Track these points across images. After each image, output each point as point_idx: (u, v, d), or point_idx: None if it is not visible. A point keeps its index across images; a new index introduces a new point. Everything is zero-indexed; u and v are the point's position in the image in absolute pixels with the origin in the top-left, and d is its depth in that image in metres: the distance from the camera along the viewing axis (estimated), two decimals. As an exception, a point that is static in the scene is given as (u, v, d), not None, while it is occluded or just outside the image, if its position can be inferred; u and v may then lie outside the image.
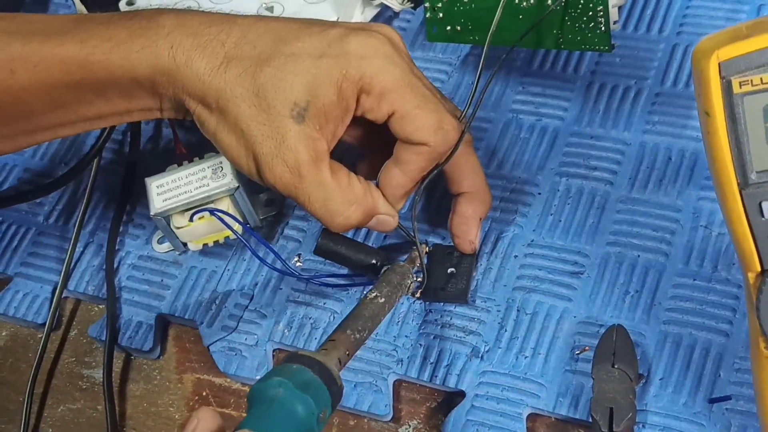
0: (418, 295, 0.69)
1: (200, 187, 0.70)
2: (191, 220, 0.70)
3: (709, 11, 0.76)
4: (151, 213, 0.70)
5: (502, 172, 0.73)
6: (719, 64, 0.51)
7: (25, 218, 0.80)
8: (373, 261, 0.69)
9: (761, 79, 0.51)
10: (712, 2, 0.77)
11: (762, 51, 0.51)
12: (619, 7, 0.74)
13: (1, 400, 0.74)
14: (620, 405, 0.61)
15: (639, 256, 0.67)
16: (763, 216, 0.52)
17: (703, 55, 0.52)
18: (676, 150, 0.71)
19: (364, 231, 0.72)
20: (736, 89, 0.51)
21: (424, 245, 0.69)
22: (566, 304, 0.67)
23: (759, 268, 0.54)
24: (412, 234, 0.67)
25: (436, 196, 0.72)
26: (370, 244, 0.72)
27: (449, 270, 0.69)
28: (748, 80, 0.51)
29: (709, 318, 0.64)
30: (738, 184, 0.52)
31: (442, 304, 0.68)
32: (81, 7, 0.81)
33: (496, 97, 0.76)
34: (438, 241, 0.71)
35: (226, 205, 0.70)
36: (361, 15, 0.80)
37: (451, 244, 0.69)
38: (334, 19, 0.78)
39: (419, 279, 0.68)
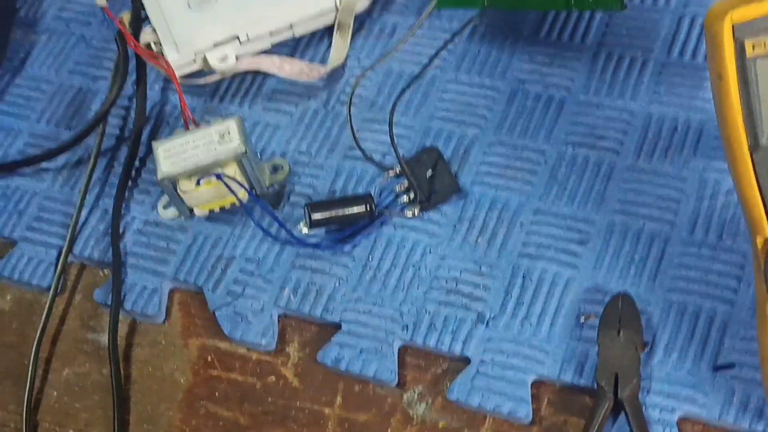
0: (417, 212, 0.71)
1: (207, 151, 0.70)
2: (198, 184, 0.70)
3: (717, -17, 0.76)
4: (158, 177, 0.70)
5: (508, 140, 0.73)
6: (732, 26, 0.52)
7: (30, 183, 0.80)
8: (365, 206, 0.70)
9: (774, 42, 0.51)
10: (720, -26, 0.77)
11: (775, 14, 0.51)
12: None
13: (6, 364, 0.74)
14: (625, 371, 0.62)
15: (644, 224, 0.68)
16: (772, 180, 0.53)
17: (716, 18, 0.52)
18: (681, 120, 0.71)
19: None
20: (749, 52, 0.52)
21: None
22: (572, 271, 0.67)
23: (768, 233, 0.54)
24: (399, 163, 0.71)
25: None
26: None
27: (428, 174, 0.71)
28: (761, 42, 0.51)
29: (713, 286, 0.65)
30: (749, 147, 0.53)
31: (447, 270, 0.69)
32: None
33: (502, 66, 0.76)
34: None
35: (233, 170, 0.70)
36: (367, -16, 0.80)
37: (415, 153, 0.73)
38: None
39: (411, 197, 0.71)
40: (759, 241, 0.55)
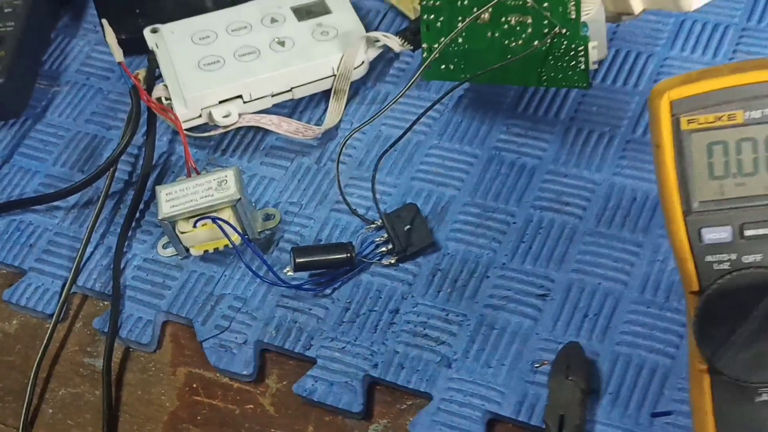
0: (394, 261, 0.77)
1: (205, 196, 0.77)
2: (195, 226, 0.77)
3: (682, 70, 0.83)
4: (159, 217, 0.77)
5: (482, 202, 0.79)
6: (670, 102, 0.58)
7: (42, 219, 0.86)
8: (346, 254, 0.76)
9: (706, 118, 0.57)
10: (685, 63, 0.84)
11: (708, 93, 0.57)
12: (600, 62, 0.82)
13: (9, 382, 0.79)
14: (571, 412, 0.67)
15: (600, 283, 0.74)
16: (701, 241, 0.59)
17: (657, 95, 0.58)
18: (641, 192, 0.77)
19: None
20: (684, 126, 0.58)
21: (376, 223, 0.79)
22: (531, 322, 0.73)
23: (697, 288, 0.60)
24: (380, 217, 0.77)
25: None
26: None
27: (406, 228, 0.77)
28: (695, 119, 0.58)
29: (658, 342, 0.70)
30: (683, 211, 0.59)
31: (418, 315, 0.74)
32: (109, 29, 0.88)
33: (481, 135, 0.83)
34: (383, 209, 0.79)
35: (228, 215, 0.77)
36: (364, 54, 0.87)
37: (396, 208, 0.79)
38: (339, 56, 0.85)
39: (390, 248, 0.76)
40: (690, 296, 0.60)
